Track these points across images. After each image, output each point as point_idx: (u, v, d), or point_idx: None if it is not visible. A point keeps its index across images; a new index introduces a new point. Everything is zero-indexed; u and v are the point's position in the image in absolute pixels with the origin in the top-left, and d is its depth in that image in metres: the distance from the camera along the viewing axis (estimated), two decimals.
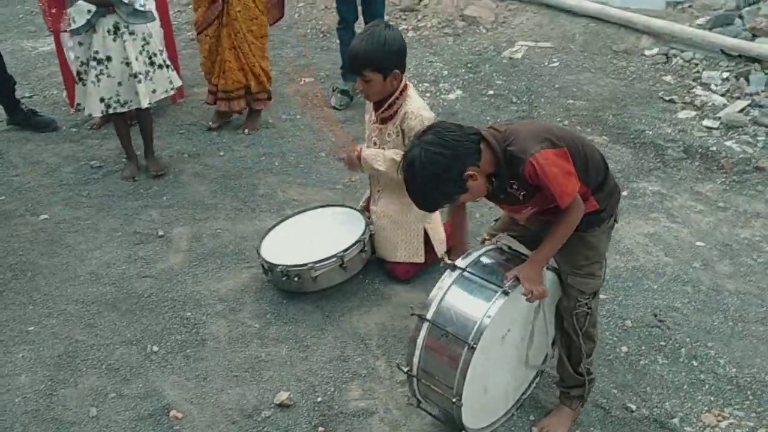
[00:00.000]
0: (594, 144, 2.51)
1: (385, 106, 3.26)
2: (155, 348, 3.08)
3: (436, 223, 3.48)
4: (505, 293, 2.38)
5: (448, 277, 2.52)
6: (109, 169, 4.44)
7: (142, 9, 3.88)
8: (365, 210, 3.59)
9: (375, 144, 3.39)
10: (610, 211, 2.54)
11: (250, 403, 2.81)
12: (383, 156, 3.28)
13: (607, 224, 2.56)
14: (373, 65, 3.08)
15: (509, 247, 2.60)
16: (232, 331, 3.16)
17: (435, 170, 2.24)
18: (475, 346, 2.33)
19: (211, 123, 4.92)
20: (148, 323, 3.21)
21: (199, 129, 4.94)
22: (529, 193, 2.34)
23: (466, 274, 2.51)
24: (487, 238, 2.69)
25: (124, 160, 4.46)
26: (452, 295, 2.48)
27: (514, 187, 2.34)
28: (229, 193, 4.20)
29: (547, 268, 2.53)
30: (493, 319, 2.36)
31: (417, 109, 3.21)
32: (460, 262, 2.53)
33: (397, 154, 3.22)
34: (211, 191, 4.22)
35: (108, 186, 4.27)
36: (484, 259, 2.56)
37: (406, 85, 3.26)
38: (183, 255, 3.65)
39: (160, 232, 3.81)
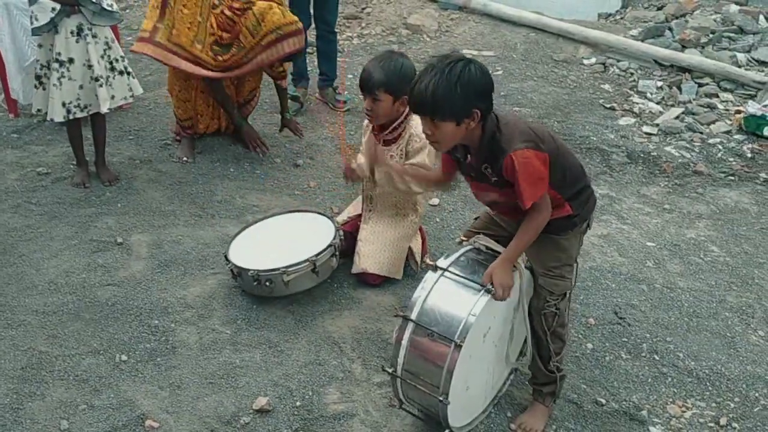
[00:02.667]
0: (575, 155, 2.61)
1: (390, 129, 3.36)
2: (124, 357, 2.99)
3: (417, 239, 3.61)
4: (488, 291, 2.44)
5: (430, 278, 2.55)
6: (57, 175, 4.29)
7: (109, 9, 3.79)
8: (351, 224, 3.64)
9: None
10: (583, 216, 2.62)
11: (228, 410, 2.77)
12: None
13: (580, 228, 2.65)
14: (387, 86, 3.17)
15: (487, 247, 2.66)
16: (203, 338, 3.11)
17: (478, 81, 2.26)
18: (461, 344, 2.37)
19: (185, 158, 4.52)
20: (115, 332, 3.12)
21: (148, 135, 4.82)
22: (500, 181, 2.41)
23: (447, 274, 2.55)
24: (464, 238, 2.75)
25: (72, 166, 4.32)
26: (435, 295, 2.52)
27: (488, 170, 2.41)
28: (186, 200, 4.12)
29: (525, 267, 2.61)
30: (478, 317, 2.41)
31: (422, 132, 3.28)
32: (441, 263, 2.58)
33: (411, 167, 3.31)
34: (167, 197, 4.13)
35: (58, 193, 4.12)
36: (465, 259, 2.62)
37: (409, 110, 3.35)
38: (145, 262, 3.56)
39: (119, 240, 3.71)
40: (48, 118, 3.99)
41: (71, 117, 3.93)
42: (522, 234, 2.47)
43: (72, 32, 3.79)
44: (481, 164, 2.42)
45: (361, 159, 3.55)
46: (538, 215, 2.43)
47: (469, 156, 2.46)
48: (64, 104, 3.88)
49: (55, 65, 3.81)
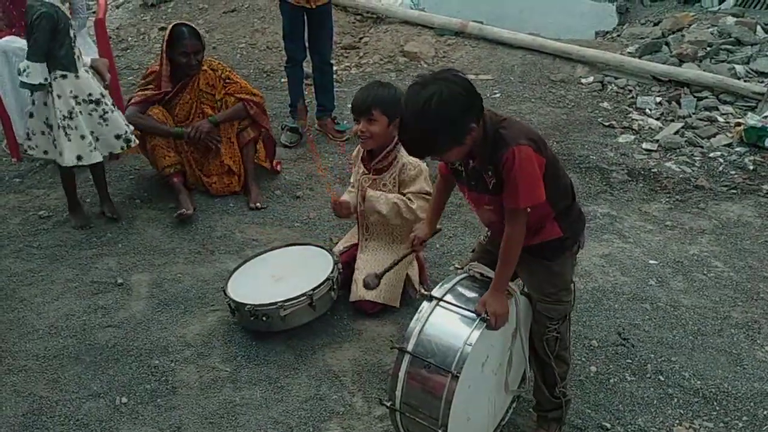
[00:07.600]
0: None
1: (380, 157, 3.37)
2: (124, 399, 2.98)
3: (415, 266, 3.58)
4: (484, 320, 2.42)
5: (425, 308, 2.53)
6: (58, 218, 4.32)
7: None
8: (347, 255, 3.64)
9: None
10: (574, 239, 2.59)
11: None
12: (385, 198, 3.35)
13: (572, 251, 2.63)
14: (383, 107, 3.21)
15: (482, 274, 2.64)
16: (203, 377, 3.10)
17: (451, 109, 2.19)
18: (458, 374, 2.35)
19: (185, 210, 4.29)
20: (115, 374, 3.12)
21: (148, 174, 4.85)
22: (498, 185, 2.34)
23: (443, 303, 2.53)
24: (459, 267, 2.73)
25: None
26: (431, 326, 2.49)
27: (489, 173, 2.35)
28: (186, 237, 4.14)
29: (521, 293, 2.58)
30: (474, 347, 2.38)
31: (415, 160, 3.33)
32: (436, 292, 2.56)
33: (398, 198, 3.33)
34: (167, 236, 4.15)
35: (59, 236, 4.15)
36: (459, 288, 2.60)
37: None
38: (145, 302, 3.57)
39: (119, 280, 3.72)
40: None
41: (81, 163, 4.01)
42: (503, 256, 2.42)
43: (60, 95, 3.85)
44: (485, 165, 2.34)
45: (346, 196, 3.56)
46: (514, 228, 2.36)
47: (472, 161, 2.38)
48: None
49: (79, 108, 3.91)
